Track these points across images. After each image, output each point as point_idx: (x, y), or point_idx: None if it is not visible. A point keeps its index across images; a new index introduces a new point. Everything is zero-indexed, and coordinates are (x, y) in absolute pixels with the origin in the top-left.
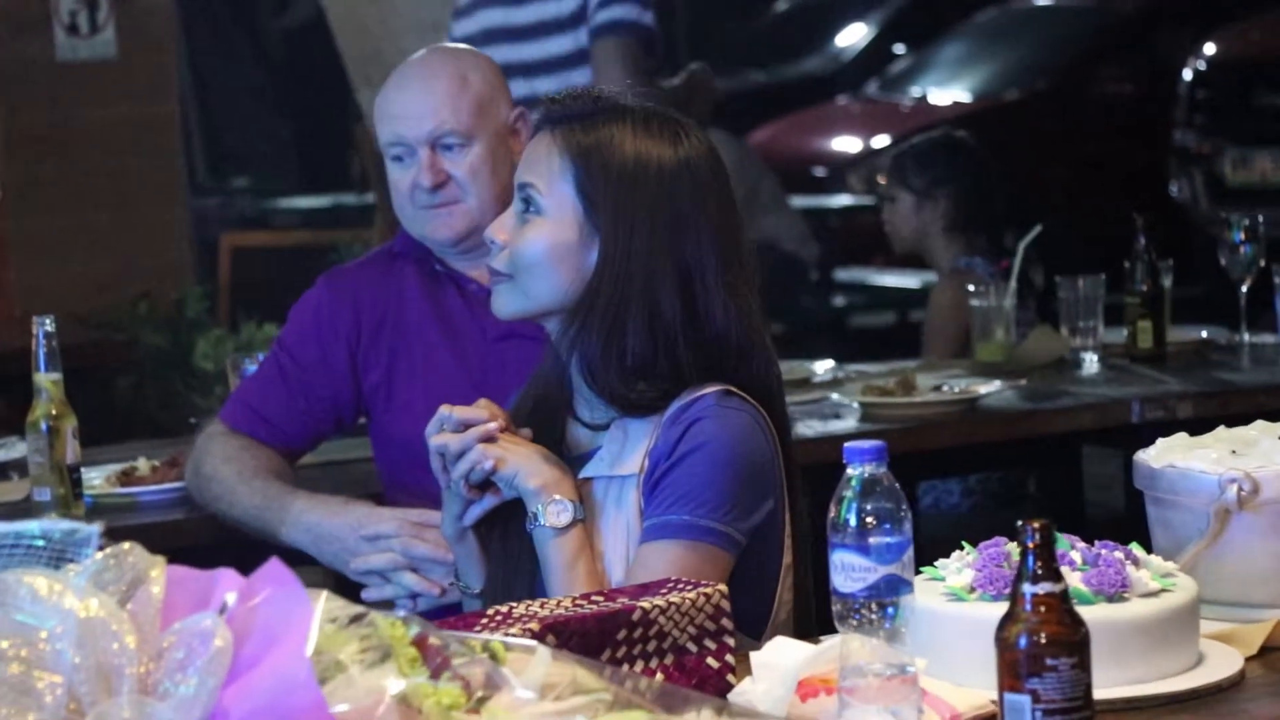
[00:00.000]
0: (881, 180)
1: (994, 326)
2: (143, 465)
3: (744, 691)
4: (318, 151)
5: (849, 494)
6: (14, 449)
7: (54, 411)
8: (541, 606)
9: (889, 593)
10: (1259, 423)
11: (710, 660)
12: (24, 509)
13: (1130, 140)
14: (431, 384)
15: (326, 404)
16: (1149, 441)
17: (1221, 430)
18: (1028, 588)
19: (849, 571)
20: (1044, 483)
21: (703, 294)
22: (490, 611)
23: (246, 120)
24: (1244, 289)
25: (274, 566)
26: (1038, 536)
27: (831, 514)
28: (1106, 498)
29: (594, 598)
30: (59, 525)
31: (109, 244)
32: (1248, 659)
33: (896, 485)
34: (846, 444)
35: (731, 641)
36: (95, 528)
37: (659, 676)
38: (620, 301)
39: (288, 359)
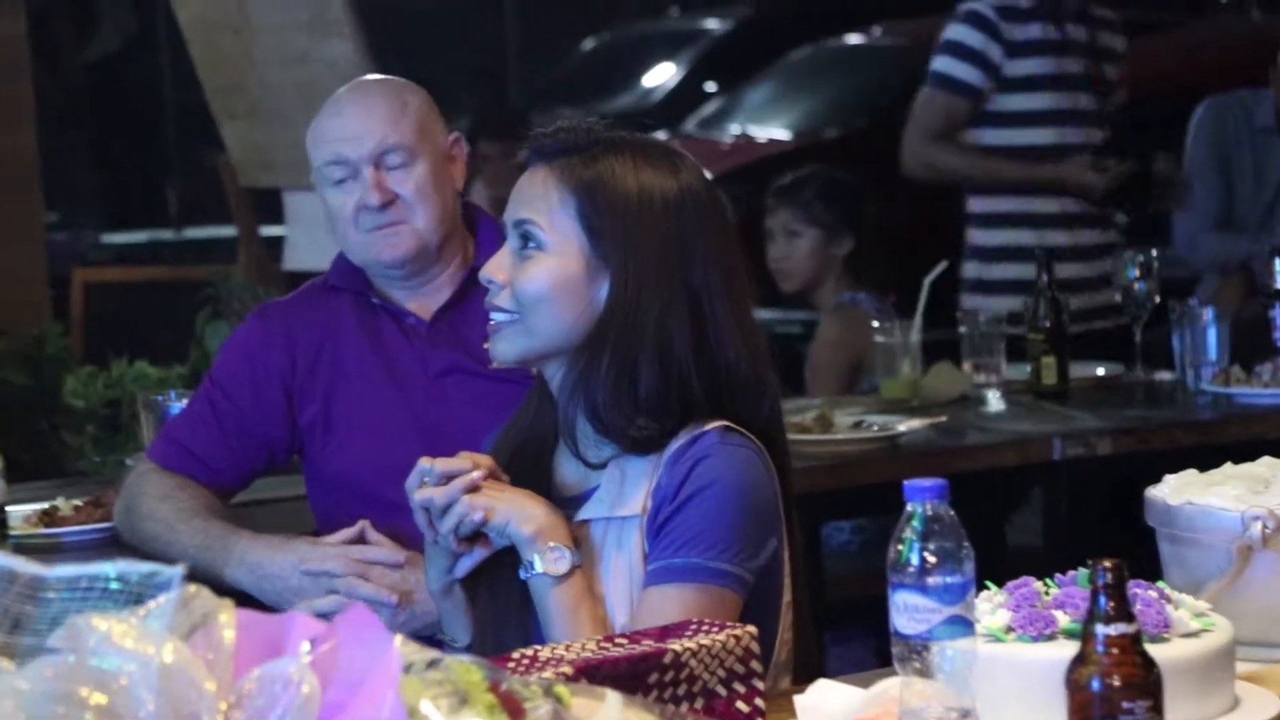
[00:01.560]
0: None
1: (899, 362)
2: (64, 505)
3: None
4: (131, 188)
5: (910, 533)
6: None
7: None
8: (567, 649)
9: (951, 634)
10: (1266, 459)
11: (740, 704)
12: None
13: None
14: (371, 420)
15: (260, 441)
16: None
17: (1229, 467)
18: (1100, 629)
19: (911, 613)
20: (963, 521)
21: (713, 325)
22: (516, 655)
23: (49, 155)
24: (1139, 326)
25: (355, 610)
26: (1109, 576)
27: (892, 554)
28: (1025, 536)
29: (618, 640)
30: (137, 567)
31: None
32: None
33: (958, 523)
34: (906, 481)
35: (761, 685)
36: (178, 570)
37: None
38: (632, 336)
39: (220, 396)
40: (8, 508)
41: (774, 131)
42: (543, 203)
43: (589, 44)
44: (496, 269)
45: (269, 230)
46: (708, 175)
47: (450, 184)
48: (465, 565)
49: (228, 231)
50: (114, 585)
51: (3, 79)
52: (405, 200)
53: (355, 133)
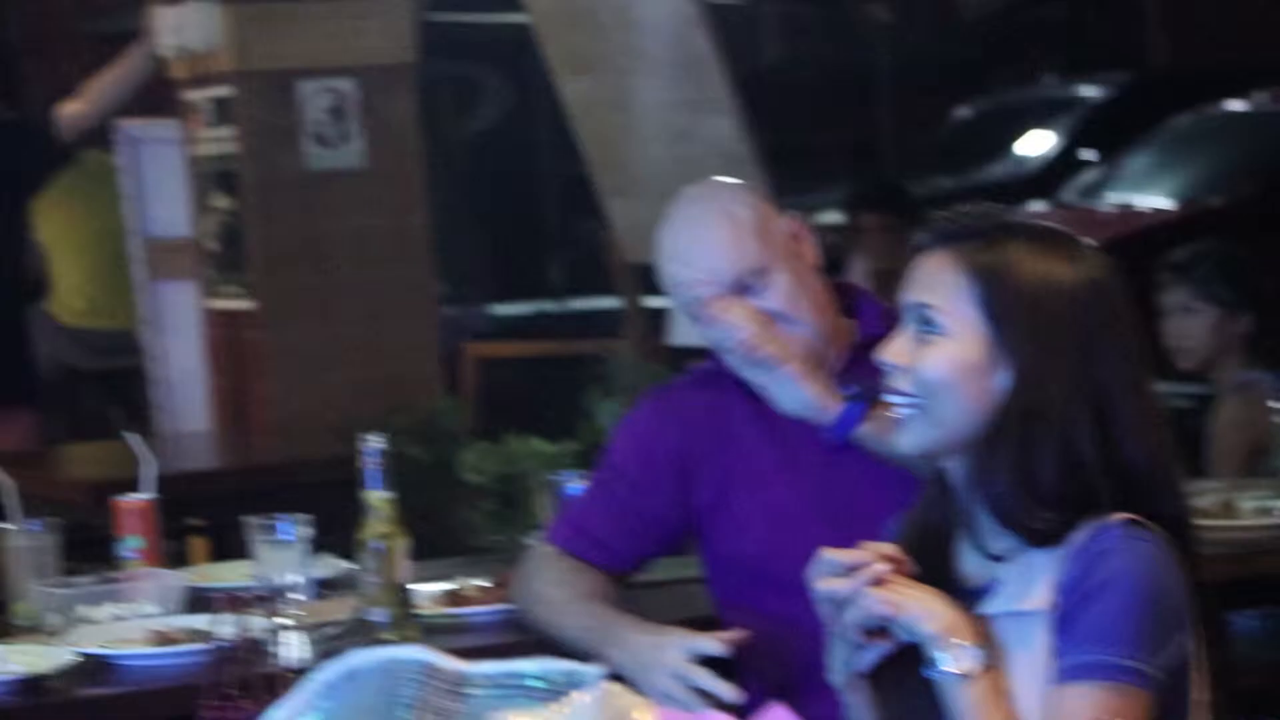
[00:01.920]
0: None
1: None
2: (468, 587)
3: None
4: (514, 260)
5: None
6: (323, 565)
7: (386, 530)
8: None
9: None
10: None
11: None
12: (358, 630)
13: None
14: (767, 500)
15: (656, 524)
16: None
17: None
18: None
19: None
20: None
21: (1116, 418)
22: None
23: (436, 228)
24: None
25: (775, 710)
26: None
27: None
28: None
29: None
30: (557, 666)
31: (361, 355)
32: None
33: None
34: None
35: None
36: (598, 670)
37: None
38: (1034, 427)
39: (615, 478)
40: (412, 585)
41: (1154, 200)
42: (942, 287)
43: (963, 113)
44: (896, 353)
45: (650, 301)
46: (1107, 259)
47: (809, 271)
48: (869, 659)
49: (609, 302)
50: (537, 684)
51: (397, 159)
52: (781, 314)
53: (706, 275)
